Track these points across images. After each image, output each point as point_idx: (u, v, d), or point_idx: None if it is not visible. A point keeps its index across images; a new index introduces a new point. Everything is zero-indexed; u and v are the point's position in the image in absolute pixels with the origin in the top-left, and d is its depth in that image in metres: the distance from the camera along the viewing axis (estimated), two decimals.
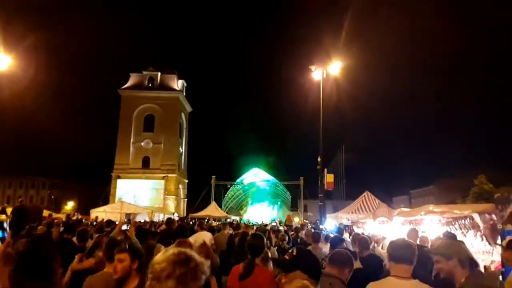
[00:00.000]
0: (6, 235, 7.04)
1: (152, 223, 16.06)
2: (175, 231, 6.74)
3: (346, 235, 9.91)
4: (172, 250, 1.76)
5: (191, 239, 6.85)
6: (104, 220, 17.75)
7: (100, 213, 26.81)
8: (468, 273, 3.01)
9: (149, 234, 7.25)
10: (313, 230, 7.92)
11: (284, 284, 2.57)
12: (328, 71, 20.33)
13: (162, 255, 1.73)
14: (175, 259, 1.68)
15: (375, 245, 7.98)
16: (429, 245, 6.04)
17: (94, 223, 17.82)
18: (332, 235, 8.69)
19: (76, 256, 4.81)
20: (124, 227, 7.49)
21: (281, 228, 14.14)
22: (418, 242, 6.00)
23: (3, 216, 7.75)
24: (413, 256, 2.93)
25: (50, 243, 5.18)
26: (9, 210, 12.22)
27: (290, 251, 2.73)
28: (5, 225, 7.36)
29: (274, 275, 3.88)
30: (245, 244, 4.07)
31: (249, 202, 48.47)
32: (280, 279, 2.66)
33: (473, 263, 3.20)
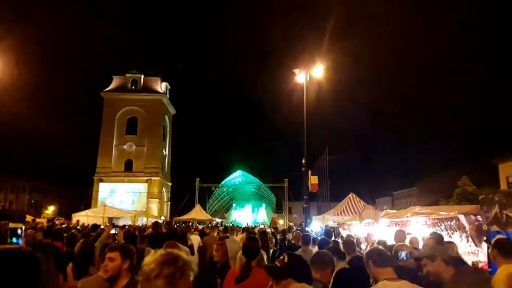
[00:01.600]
0: (20, 242, 6.80)
1: (137, 227, 15.83)
2: (166, 235, 6.67)
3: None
4: (160, 251, 1.85)
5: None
6: (86, 224, 17.47)
7: (82, 217, 26.39)
8: (454, 270, 3.11)
9: (137, 239, 7.18)
10: (302, 233, 7.92)
11: None
12: (311, 74, 20.49)
13: (151, 256, 1.82)
14: (163, 259, 1.77)
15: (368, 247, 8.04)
16: (420, 246, 6.12)
17: (78, 227, 17.46)
18: (319, 237, 8.75)
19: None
20: (112, 231, 7.42)
21: (268, 230, 14.14)
22: (407, 243, 6.07)
23: (20, 224, 7.49)
24: (393, 259, 3.09)
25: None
26: None
27: (281, 257, 2.66)
28: (19, 231, 7.04)
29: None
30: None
31: (234, 205, 48.31)
32: (271, 286, 2.61)
33: (459, 261, 3.30)
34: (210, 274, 3.83)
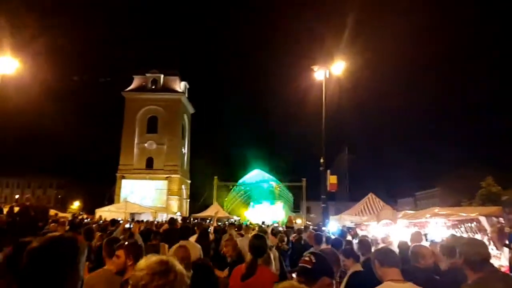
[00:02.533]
0: None
1: (153, 222, 16.05)
2: (179, 231, 6.70)
3: (348, 238, 9.77)
4: (155, 258, 1.72)
5: (191, 239, 6.77)
6: (108, 220, 17.82)
7: (105, 213, 26.91)
8: (479, 273, 2.91)
9: (152, 233, 7.27)
10: (314, 233, 7.80)
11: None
12: (331, 71, 20.17)
13: (145, 262, 1.70)
14: (156, 269, 1.65)
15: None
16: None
17: (100, 222, 17.86)
18: (333, 237, 8.60)
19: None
20: (127, 225, 7.54)
21: (280, 229, 14.03)
22: (425, 244, 5.86)
23: None
24: (399, 260, 2.99)
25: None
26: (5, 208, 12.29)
27: (306, 258, 2.57)
28: None
29: (277, 277, 3.81)
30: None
31: (251, 203, 48.32)
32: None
33: (486, 263, 3.07)
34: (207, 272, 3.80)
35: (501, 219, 6.70)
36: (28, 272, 1.62)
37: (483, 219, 6.91)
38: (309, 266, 2.51)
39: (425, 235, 7.75)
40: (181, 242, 5.48)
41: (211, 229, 10.37)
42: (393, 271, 2.86)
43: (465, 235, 7.35)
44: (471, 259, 2.98)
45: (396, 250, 7.27)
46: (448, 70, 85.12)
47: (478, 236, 7.14)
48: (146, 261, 1.70)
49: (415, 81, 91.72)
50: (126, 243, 3.72)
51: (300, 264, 2.58)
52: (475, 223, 7.24)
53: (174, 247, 4.92)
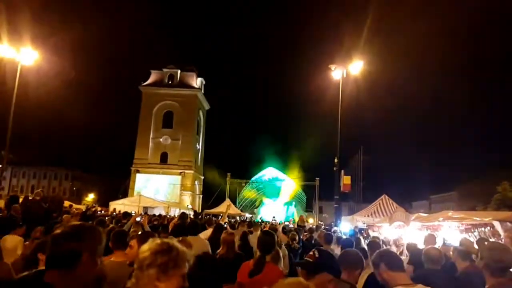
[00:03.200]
0: None
1: (165, 217, 16.22)
2: (187, 227, 6.75)
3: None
4: (156, 240, 1.82)
5: (202, 235, 6.82)
6: (121, 212, 18.11)
7: (118, 206, 27.33)
8: (497, 279, 2.85)
9: (160, 227, 7.35)
10: (325, 232, 7.79)
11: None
12: (348, 70, 19.98)
13: (147, 244, 1.79)
14: (158, 248, 1.75)
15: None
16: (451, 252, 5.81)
17: (114, 214, 18.15)
18: (344, 237, 8.56)
19: None
20: (138, 219, 7.64)
21: (291, 226, 14.01)
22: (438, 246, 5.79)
23: None
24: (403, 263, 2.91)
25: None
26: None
27: (311, 253, 2.61)
28: None
29: (284, 274, 3.81)
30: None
31: (263, 201, 48.38)
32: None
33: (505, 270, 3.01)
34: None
35: None
36: (51, 254, 1.83)
37: (497, 224, 6.79)
38: (311, 260, 2.55)
39: (443, 239, 7.62)
40: (188, 237, 5.52)
41: (227, 224, 10.38)
42: (401, 276, 2.73)
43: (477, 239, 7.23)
44: (492, 264, 2.93)
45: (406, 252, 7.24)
46: (469, 72, 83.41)
47: (491, 241, 7.01)
48: (148, 244, 1.79)
49: (433, 83, 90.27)
50: (140, 232, 3.79)
51: (304, 258, 2.60)
52: (489, 227, 7.11)
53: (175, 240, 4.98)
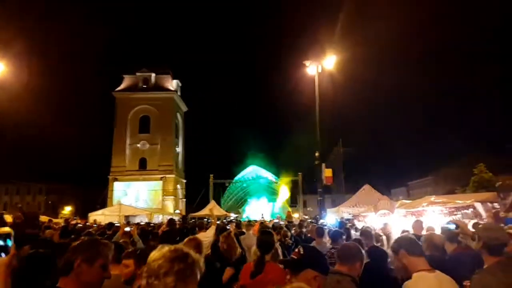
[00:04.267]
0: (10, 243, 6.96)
1: (150, 224, 15.98)
2: (177, 232, 6.72)
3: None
4: (168, 247, 1.76)
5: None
6: (103, 223, 17.70)
7: (98, 216, 26.70)
8: (496, 258, 2.95)
9: (150, 235, 7.27)
10: (317, 226, 7.88)
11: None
12: (323, 65, 20.26)
13: (158, 252, 1.73)
14: (172, 255, 1.69)
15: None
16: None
17: (94, 225, 17.71)
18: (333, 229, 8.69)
19: None
20: (127, 229, 7.52)
21: (281, 223, 14.11)
22: (424, 233, 5.97)
23: (7, 229, 7.73)
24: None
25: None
26: (7, 217, 12.15)
27: (296, 249, 2.65)
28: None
29: (285, 272, 3.83)
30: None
31: (248, 200, 48.45)
32: (289, 279, 2.61)
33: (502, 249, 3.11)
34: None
35: (496, 205, 6.84)
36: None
37: (478, 205, 7.06)
38: (295, 257, 2.56)
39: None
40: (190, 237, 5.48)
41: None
42: (421, 261, 2.79)
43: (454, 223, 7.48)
44: (490, 243, 3.00)
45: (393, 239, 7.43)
46: (440, 61, 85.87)
47: (474, 222, 7.28)
48: (159, 251, 1.72)
49: (409, 72, 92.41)
50: (138, 251, 3.65)
51: (290, 256, 2.63)
52: (471, 209, 7.38)
53: (185, 240, 4.97)
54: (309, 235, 8.58)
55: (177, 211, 39.20)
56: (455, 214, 7.94)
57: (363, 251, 3.31)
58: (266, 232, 4.23)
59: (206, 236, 7.11)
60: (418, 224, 6.42)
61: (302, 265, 2.48)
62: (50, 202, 74.14)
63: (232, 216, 33.79)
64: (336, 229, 7.56)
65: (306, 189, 40.29)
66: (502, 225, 6.38)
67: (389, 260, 4.98)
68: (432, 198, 8.72)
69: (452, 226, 6.08)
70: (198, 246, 4.39)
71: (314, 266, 2.48)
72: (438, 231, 6.55)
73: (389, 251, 6.09)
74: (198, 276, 1.75)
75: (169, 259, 1.68)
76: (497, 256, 2.95)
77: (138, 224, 16.36)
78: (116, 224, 13.77)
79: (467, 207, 7.55)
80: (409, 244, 2.91)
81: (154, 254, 1.73)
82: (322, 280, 2.46)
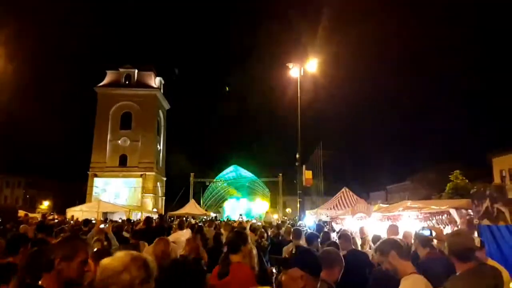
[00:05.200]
0: None
1: (129, 222, 15.76)
2: (153, 231, 6.62)
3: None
4: (123, 253, 1.71)
5: (171, 238, 6.72)
6: (80, 220, 17.37)
7: (76, 212, 26.23)
8: (466, 265, 2.97)
9: (131, 232, 7.15)
10: (292, 228, 7.88)
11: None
12: (305, 68, 20.39)
13: (111, 259, 1.69)
14: (125, 262, 1.64)
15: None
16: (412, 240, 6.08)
17: (72, 222, 17.37)
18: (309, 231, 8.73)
19: None
20: (101, 226, 7.38)
21: (259, 223, 14.13)
22: (400, 237, 6.04)
23: None
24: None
25: None
26: None
27: (291, 250, 2.71)
28: None
29: (253, 274, 3.77)
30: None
31: (228, 199, 48.35)
32: (281, 277, 2.71)
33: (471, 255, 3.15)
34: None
35: (470, 211, 6.96)
36: None
37: (453, 212, 7.17)
38: (288, 257, 2.59)
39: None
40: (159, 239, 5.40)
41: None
42: (409, 264, 2.83)
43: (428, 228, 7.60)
44: (456, 250, 3.02)
45: (371, 243, 7.50)
46: (420, 66, 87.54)
47: (448, 228, 7.42)
48: (114, 258, 1.68)
49: (388, 77, 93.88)
50: (95, 249, 3.65)
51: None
52: (446, 215, 7.50)
53: (155, 240, 4.89)
54: (284, 236, 8.56)
55: (155, 210, 38.73)
56: (430, 220, 8.07)
57: (342, 257, 3.31)
58: (236, 231, 4.18)
59: (182, 236, 7.05)
60: (393, 229, 6.48)
61: (290, 263, 2.52)
62: (28, 196, 72.32)
63: (212, 215, 33.65)
64: (312, 231, 7.59)
65: (286, 190, 40.44)
66: (475, 232, 6.52)
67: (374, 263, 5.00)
68: (408, 203, 8.82)
69: (427, 232, 6.16)
70: (166, 246, 4.33)
71: (302, 266, 2.51)
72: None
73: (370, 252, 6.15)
74: (153, 283, 1.70)
75: (122, 266, 1.64)
76: (466, 262, 2.98)
77: (111, 220, 16.10)
78: (92, 221, 13.55)
79: (442, 213, 7.68)
80: (400, 247, 2.93)
81: (106, 261, 1.68)
82: (309, 281, 2.49)
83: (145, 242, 6.04)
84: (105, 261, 1.68)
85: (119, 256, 1.69)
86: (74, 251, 2.32)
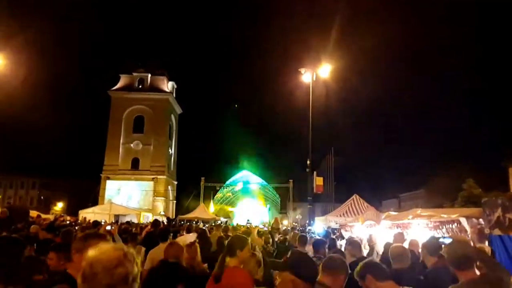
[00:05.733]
0: None
1: (137, 224, 15.86)
2: (158, 234, 6.62)
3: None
4: (105, 247, 1.63)
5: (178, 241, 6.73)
6: (91, 221, 17.59)
7: (89, 214, 26.53)
8: (470, 275, 2.91)
9: (128, 236, 7.19)
10: (299, 234, 7.81)
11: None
12: (318, 73, 20.29)
13: (93, 256, 1.59)
14: (109, 258, 1.56)
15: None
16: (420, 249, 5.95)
17: (82, 223, 17.59)
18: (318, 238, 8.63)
19: None
20: (108, 227, 7.45)
21: (265, 229, 14.06)
22: (406, 245, 5.92)
23: None
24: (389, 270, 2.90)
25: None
26: None
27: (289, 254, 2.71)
28: None
29: (250, 275, 3.70)
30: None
31: (238, 205, 48.30)
32: (275, 278, 2.73)
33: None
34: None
35: (481, 221, 6.79)
36: None
37: (463, 220, 7.01)
38: (284, 260, 2.64)
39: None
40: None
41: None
42: (389, 284, 2.76)
43: (446, 236, 7.44)
44: (455, 258, 2.98)
45: (381, 251, 7.37)
46: (436, 72, 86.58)
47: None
48: (94, 256, 1.60)
49: (403, 83, 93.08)
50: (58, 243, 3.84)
51: None
52: (456, 224, 7.33)
53: (166, 244, 4.89)
54: (291, 242, 8.49)
55: (162, 213, 38.87)
56: (440, 228, 7.90)
57: (347, 264, 3.24)
58: (236, 235, 4.14)
59: (188, 239, 7.04)
60: (399, 236, 6.37)
61: (283, 267, 2.50)
62: (42, 197, 73.47)
63: (222, 220, 33.64)
64: (319, 237, 7.51)
65: (297, 196, 40.26)
66: (486, 242, 6.35)
67: None
68: (419, 211, 8.66)
69: (449, 240, 6.02)
70: (176, 255, 4.35)
71: (293, 270, 2.51)
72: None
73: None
74: (137, 275, 1.62)
75: (116, 260, 1.56)
76: (465, 270, 2.91)
77: (117, 223, 16.24)
78: (102, 223, 13.69)
79: (452, 221, 7.51)
80: (375, 269, 2.85)
81: (95, 253, 1.60)
82: (300, 286, 2.46)
83: (145, 246, 6.06)
84: (94, 253, 1.59)
85: (109, 249, 1.61)
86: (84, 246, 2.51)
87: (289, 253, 2.67)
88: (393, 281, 2.86)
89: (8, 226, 9.50)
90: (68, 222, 17.73)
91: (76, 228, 12.69)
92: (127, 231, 8.01)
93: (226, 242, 6.98)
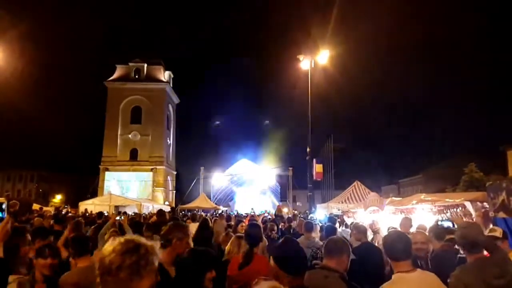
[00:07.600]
0: (5, 215, 7.26)
1: (140, 215, 15.90)
2: (166, 224, 6.62)
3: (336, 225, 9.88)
4: (118, 239, 1.67)
5: None
6: (93, 213, 17.62)
7: (89, 206, 26.54)
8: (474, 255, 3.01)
9: (144, 225, 7.20)
10: (305, 220, 7.85)
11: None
12: (316, 60, 20.17)
13: (110, 246, 1.65)
14: (123, 248, 1.61)
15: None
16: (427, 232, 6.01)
17: (87, 214, 17.63)
18: (321, 225, 8.70)
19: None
20: (117, 218, 7.45)
21: (269, 217, 14.13)
22: (414, 230, 5.99)
23: (2, 199, 8.32)
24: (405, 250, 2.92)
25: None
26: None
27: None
28: (4, 206, 7.88)
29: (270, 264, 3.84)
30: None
31: (238, 193, 48.40)
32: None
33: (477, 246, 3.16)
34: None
35: (485, 204, 6.85)
36: None
37: (468, 204, 7.07)
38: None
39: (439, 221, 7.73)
40: None
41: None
42: (402, 264, 2.83)
43: (448, 219, 7.52)
44: (465, 241, 3.11)
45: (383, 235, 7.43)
46: (434, 58, 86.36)
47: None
48: (111, 245, 1.64)
49: (401, 69, 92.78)
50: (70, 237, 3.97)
51: None
52: (460, 208, 7.40)
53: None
54: (297, 229, 8.55)
55: (166, 203, 38.96)
56: (445, 213, 7.97)
57: (348, 244, 3.29)
58: (253, 225, 4.22)
59: (193, 228, 7.07)
60: (407, 222, 6.42)
61: (269, 253, 2.62)
62: (41, 190, 73.44)
63: (222, 209, 33.77)
64: (330, 224, 7.58)
65: (296, 184, 40.31)
66: (490, 224, 6.42)
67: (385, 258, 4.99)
68: (422, 196, 8.73)
69: (447, 224, 6.09)
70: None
71: (273, 257, 2.63)
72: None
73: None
74: (156, 263, 1.67)
75: (119, 252, 1.61)
76: (474, 253, 3.04)
77: (125, 213, 16.28)
78: (105, 214, 13.71)
79: (457, 206, 7.58)
80: (388, 249, 2.95)
81: (106, 249, 1.65)
82: (280, 272, 2.51)
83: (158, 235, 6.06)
84: (108, 248, 1.64)
85: (119, 243, 1.65)
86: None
87: (280, 241, 2.71)
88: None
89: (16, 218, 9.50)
90: (71, 214, 17.75)
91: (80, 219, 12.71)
92: (139, 222, 8.00)
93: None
